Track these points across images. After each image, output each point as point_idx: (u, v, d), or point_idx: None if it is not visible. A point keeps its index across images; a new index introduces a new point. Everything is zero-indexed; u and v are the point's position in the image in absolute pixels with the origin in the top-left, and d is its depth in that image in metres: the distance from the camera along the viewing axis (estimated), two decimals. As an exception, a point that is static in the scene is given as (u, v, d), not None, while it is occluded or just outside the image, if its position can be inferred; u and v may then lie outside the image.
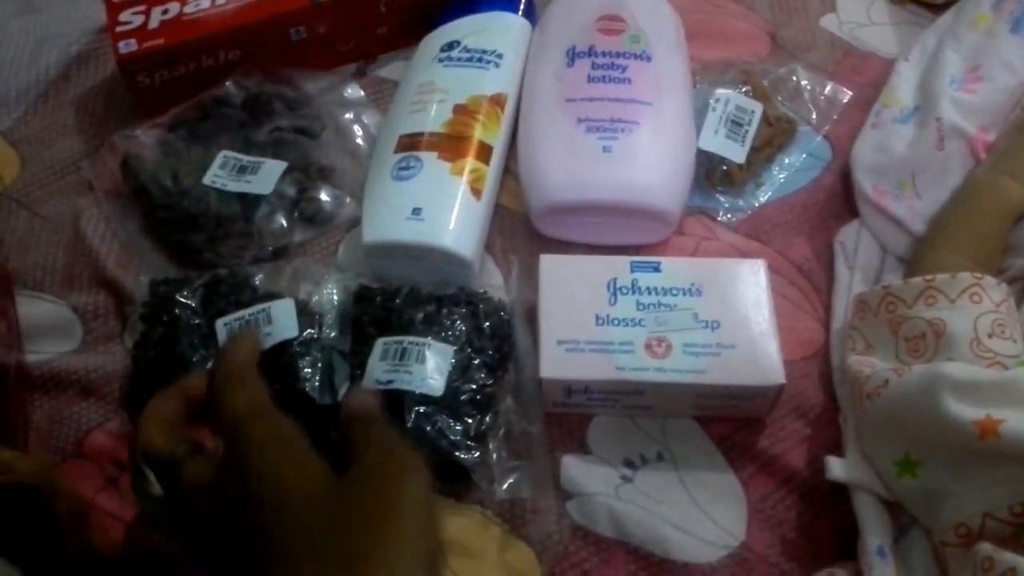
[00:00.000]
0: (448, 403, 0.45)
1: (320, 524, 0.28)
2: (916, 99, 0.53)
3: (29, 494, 0.38)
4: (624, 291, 0.48)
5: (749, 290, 0.48)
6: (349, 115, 0.60)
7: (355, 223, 0.55)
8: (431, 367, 0.46)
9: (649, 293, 0.48)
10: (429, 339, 0.47)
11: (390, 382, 0.46)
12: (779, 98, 0.60)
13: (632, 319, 0.47)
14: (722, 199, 0.56)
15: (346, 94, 0.61)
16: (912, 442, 0.41)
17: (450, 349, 0.47)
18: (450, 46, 0.59)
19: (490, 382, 0.47)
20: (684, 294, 0.48)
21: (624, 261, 0.49)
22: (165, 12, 0.60)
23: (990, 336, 0.42)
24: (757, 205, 0.56)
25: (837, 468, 0.43)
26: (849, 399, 0.46)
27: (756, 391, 0.45)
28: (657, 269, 0.49)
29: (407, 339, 0.47)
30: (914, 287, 0.44)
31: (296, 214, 0.55)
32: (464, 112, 0.55)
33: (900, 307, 0.45)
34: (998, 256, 0.46)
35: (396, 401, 0.46)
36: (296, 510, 0.28)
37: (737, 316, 0.47)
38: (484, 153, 0.54)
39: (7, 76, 0.66)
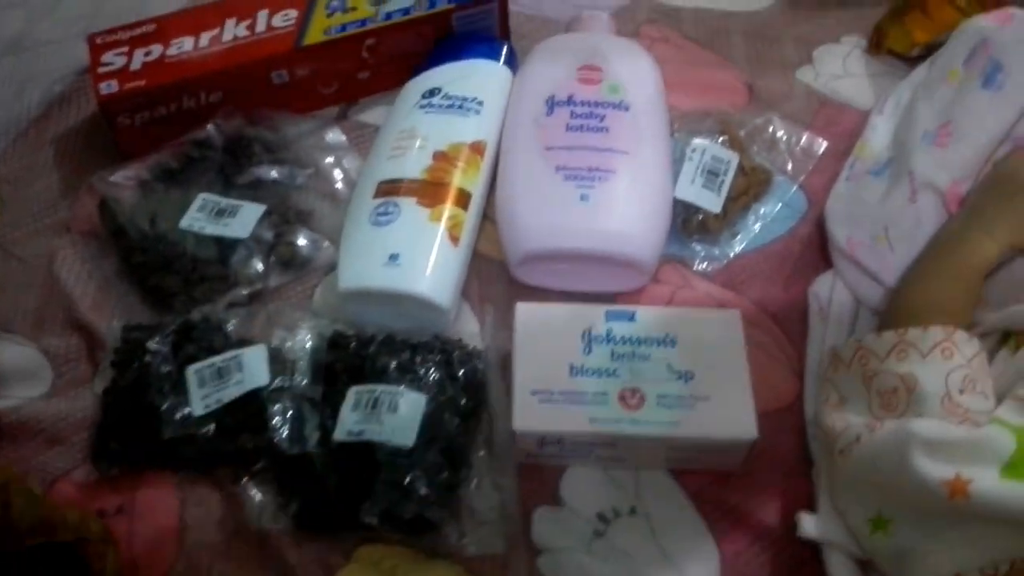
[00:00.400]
0: (419, 455, 0.45)
1: None
2: (890, 152, 0.54)
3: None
4: (599, 340, 0.48)
5: (724, 341, 0.48)
6: (330, 159, 0.61)
7: (332, 268, 0.55)
8: (403, 418, 0.46)
9: (624, 343, 0.48)
10: (402, 388, 0.47)
11: (361, 433, 0.46)
12: (755, 148, 0.61)
13: (606, 369, 0.47)
14: (698, 248, 0.57)
15: (327, 138, 0.62)
16: (884, 500, 0.41)
17: (423, 398, 0.47)
18: (431, 92, 0.59)
19: (462, 432, 0.47)
20: (658, 344, 0.48)
21: (599, 310, 0.49)
22: (147, 54, 0.60)
23: (961, 392, 0.42)
24: (733, 255, 0.57)
25: (809, 525, 0.42)
26: (822, 454, 0.46)
27: (730, 444, 0.45)
28: (632, 318, 0.49)
29: (379, 388, 0.47)
30: (886, 341, 0.44)
31: (273, 258, 0.55)
32: (444, 158, 0.55)
33: (872, 361, 0.45)
34: (970, 310, 0.46)
35: (367, 453, 0.45)
36: None
37: (712, 367, 0.47)
38: (463, 199, 0.54)
39: (-13, 114, 0.66)
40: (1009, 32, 0.53)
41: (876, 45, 0.69)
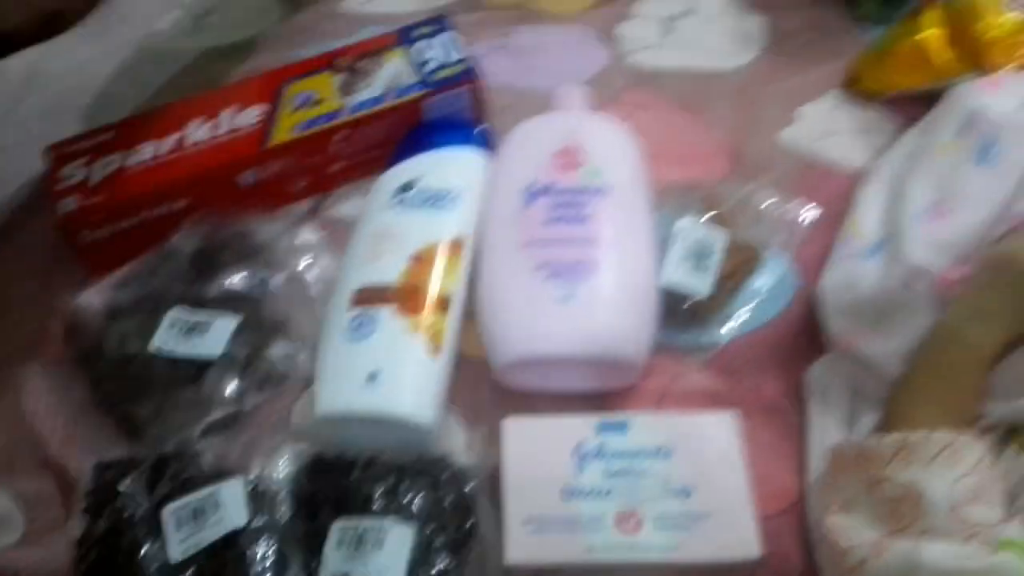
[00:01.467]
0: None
1: None
2: (882, 231, 0.52)
3: None
4: (591, 457, 0.46)
5: (720, 449, 0.46)
6: (303, 261, 0.58)
7: (310, 382, 0.53)
8: (389, 555, 0.44)
9: (617, 458, 0.46)
10: (386, 523, 0.45)
11: (346, 575, 0.43)
12: (742, 223, 0.59)
13: (600, 490, 0.45)
14: (688, 336, 0.55)
15: (299, 240, 0.59)
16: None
17: (410, 532, 0.45)
18: (405, 188, 0.57)
19: (454, 564, 0.45)
20: (653, 457, 0.46)
21: (590, 422, 0.47)
22: (107, 165, 0.58)
23: (969, 503, 0.40)
24: (725, 342, 0.55)
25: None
26: (828, 565, 0.44)
27: (732, 565, 0.43)
28: (624, 428, 0.47)
29: (363, 524, 0.45)
30: (888, 446, 0.42)
31: (248, 377, 0.53)
32: (421, 261, 0.53)
33: (875, 466, 0.43)
34: (974, 404, 0.44)
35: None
36: None
37: (710, 480, 0.45)
38: (443, 305, 0.52)
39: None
40: (1000, 102, 0.51)
41: (851, 83, 0.68)
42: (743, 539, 0.43)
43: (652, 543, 0.43)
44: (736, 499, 0.44)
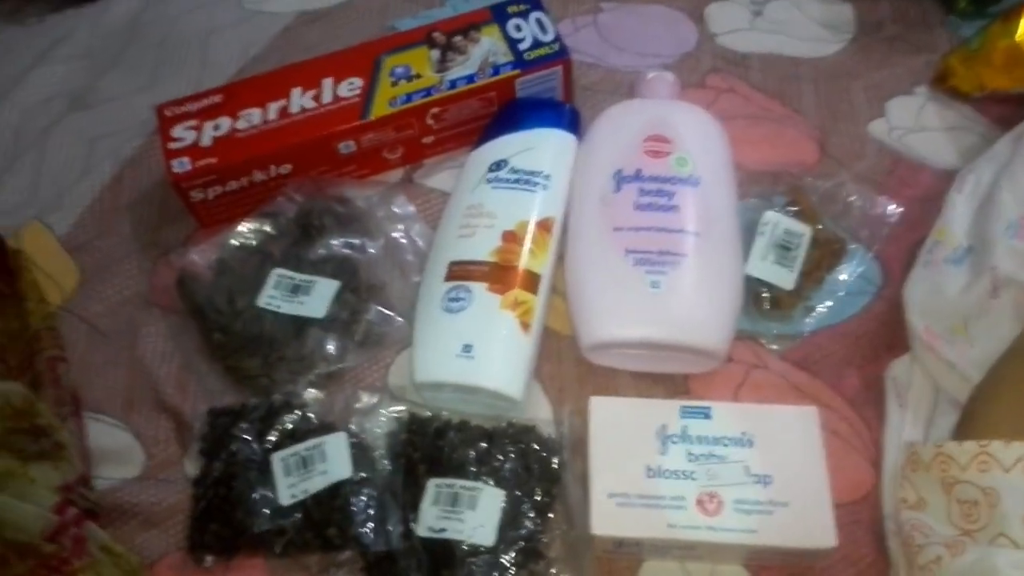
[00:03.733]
0: (498, 554, 0.46)
1: None
2: (969, 239, 0.53)
3: None
4: (674, 440, 0.48)
5: (801, 441, 0.48)
6: (399, 230, 0.61)
7: (405, 344, 0.56)
8: (482, 515, 0.47)
9: (699, 442, 0.48)
10: (480, 484, 0.48)
11: (443, 530, 0.47)
12: (828, 215, 0.60)
13: (683, 471, 0.47)
14: (771, 325, 0.56)
15: (395, 209, 0.62)
16: (966, 622, 0.41)
17: (501, 495, 0.48)
18: (498, 166, 0.59)
19: (540, 527, 0.48)
20: (735, 444, 0.48)
21: (674, 406, 0.49)
22: (217, 128, 0.61)
23: (1045, 513, 0.41)
24: (806, 333, 0.56)
25: (891, 641, 0.43)
26: (901, 558, 0.46)
27: (808, 553, 0.46)
28: (707, 415, 0.49)
29: (458, 483, 0.48)
30: (967, 451, 0.44)
31: (348, 337, 0.56)
32: (512, 239, 0.56)
33: (953, 468, 0.45)
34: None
35: (447, 550, 0.46)
36: None
37: (789, 470, 0.47)
38: (532, 283, 0.54)
39: (60, 178, 0.67)
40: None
41: (940, 80, 0.67)
42: (820, 529, 0.45)
43: (732, 525, 0.45)
44: (815, 490, 0.46)
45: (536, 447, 0.51)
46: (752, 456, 0.47)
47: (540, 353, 0.55)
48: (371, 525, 0.48)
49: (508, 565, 0.46)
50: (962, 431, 0.47)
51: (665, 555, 0.48)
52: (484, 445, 0.50)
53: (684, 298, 0.52)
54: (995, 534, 0.42)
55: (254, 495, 0.49)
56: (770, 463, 0.47)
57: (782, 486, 0.46)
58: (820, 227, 0.58)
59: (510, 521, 0.47)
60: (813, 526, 0.45)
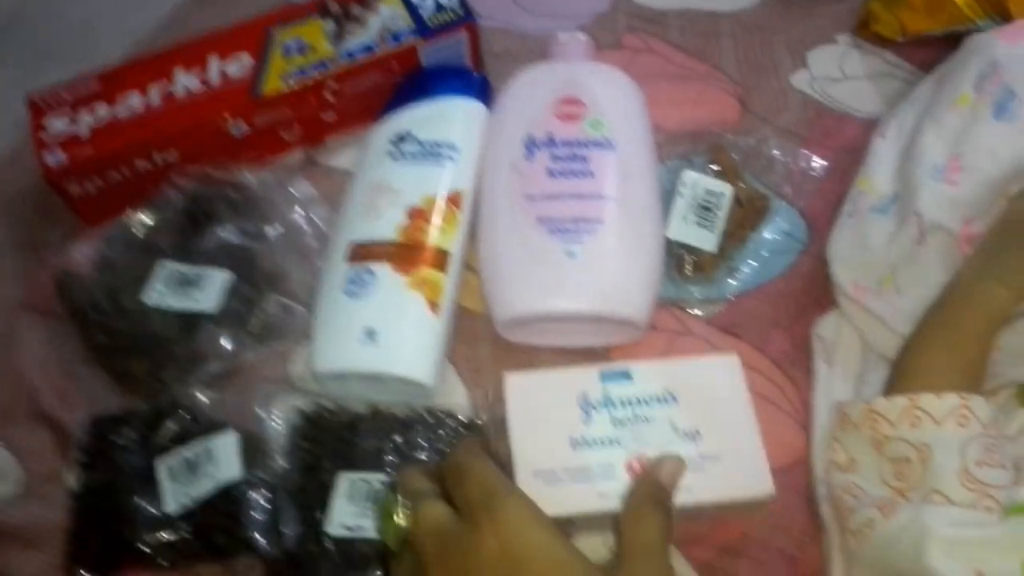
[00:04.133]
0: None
1: None
2: (894, 186, 0.50)
3: None
4: (597, 406, 0.45)
5: (726, 390, 0.45)
6: (298, 213, 0.57)
7: (307, 334, 0.52)
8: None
9: (623, 406, 0.45)
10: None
11: (360, 528, 0.43)
12: (750, 172, 0.57)
13: (609, 438, 0.44)
14: (694, 289, 0.54)
15: (294, 191, 0.58)
16: (902, 587, 0.38)
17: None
18: (401, 138, 0.55)
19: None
20: (659, 403, 0.45)
21: (593, 372, 0.46)
22: (94, 116, 0.56)
23: (979, 465, 0.39)
24: (731, 295, 0.54)
25: (826, 613, 0.40)
26: (833, 523, 0.44)
27: (745, 504, 0.43)
28: (628, 377, 0.46)
29: (374, 477, 0.45)
30: (897, 406, 0.42)
31: (244, 331, 0.52)
32: (419, 215, 0.52)
33: (883, 425, 0.42)
34: (985, 366, 0.43)
35: (361, 551, 0.43)
36: None
37: (717, 422, 0.44)
38: (441, 261, 0.51)
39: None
40: (1021, 53, 0.48)
41: (863, 26, 0.65)
42: (756, 478, 0.42)
43: None
44: (746, 439, 0.43)
45: (455, 433, 0.47)
46: (677, 413, 0.44)
47: (454, 335, 0.52)
48: (264, 528, 0.44)
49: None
50: (892, 386, 0.44)
51: (603, 528, 0.44)
52: (399, 437, 0.47)
53: (602, 266, 0.49)
54: (928, 491, 0.39)
55: (137, 505, 0.45)
56: (696, 417, 0.44)
57: (711, 440, 0.43)
58: (742, 185, 0.56)
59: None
60: (748, 476, 0.42)
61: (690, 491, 0.42)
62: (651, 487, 0.39)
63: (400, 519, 0.37)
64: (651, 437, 0.44)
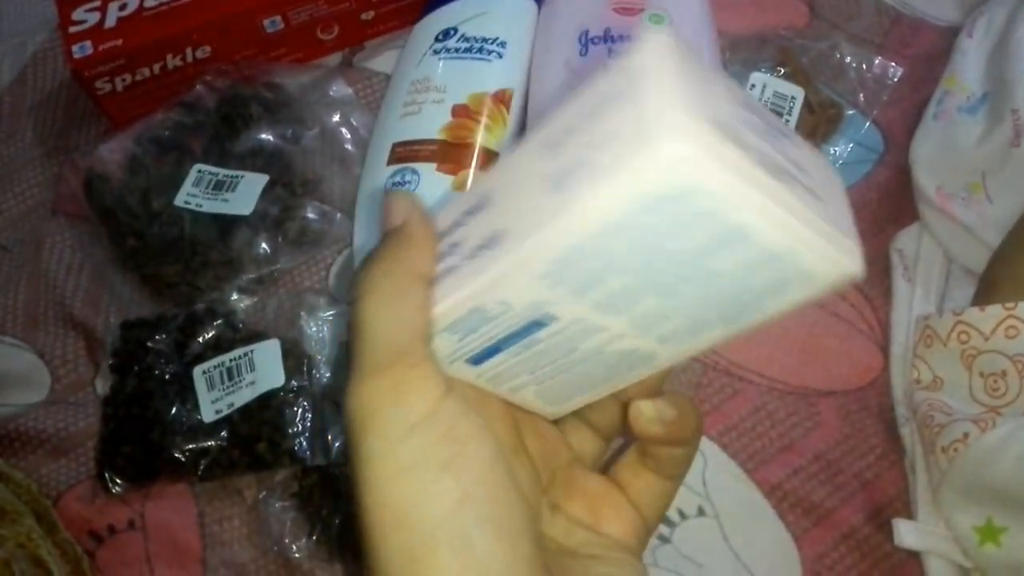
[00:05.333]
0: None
1: None
2: (985, 85, 0.46)
3: None
4: None
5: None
6: (336, 117, 0.54)
7: (346, 243, 0.50)
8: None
9: None
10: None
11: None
12: (821, 80, 0.53)
13: None
14: (760, 201, 0.50)
15: (331, 92, 0.54)
16: (996, 506, 0.35)
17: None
18: (445, 34, 0.52)
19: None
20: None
21: None
22: (123, 8, 0.53)
23: (1086, 376, 0.36)
24: (801, 208, 0.50)
25: (908, 534, 0.37)
26: (918, 444, 0.40)
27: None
28: None
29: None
30: (991, 316, 0.38)
31: (281, 236, 0.49)
32: (465, 113, 0.48)
33: (975, 338, 0.39)
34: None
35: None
36: None
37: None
38: (489, 161, 0.47)
39: (-45, 82, 0.59)
40: None
41: None
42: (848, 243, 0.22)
43: None
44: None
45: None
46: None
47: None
48: (307, 439, 0.42)
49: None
50: (983, 298, 0.41)
51: None
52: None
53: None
54: (1029, 406, 0.36)
55: (172, 412, 0.42)
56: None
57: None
58: (813, 91, 0.51)
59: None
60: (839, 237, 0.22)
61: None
62: None
63: None
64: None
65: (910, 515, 0.39)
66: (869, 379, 0.45)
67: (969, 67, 0.48)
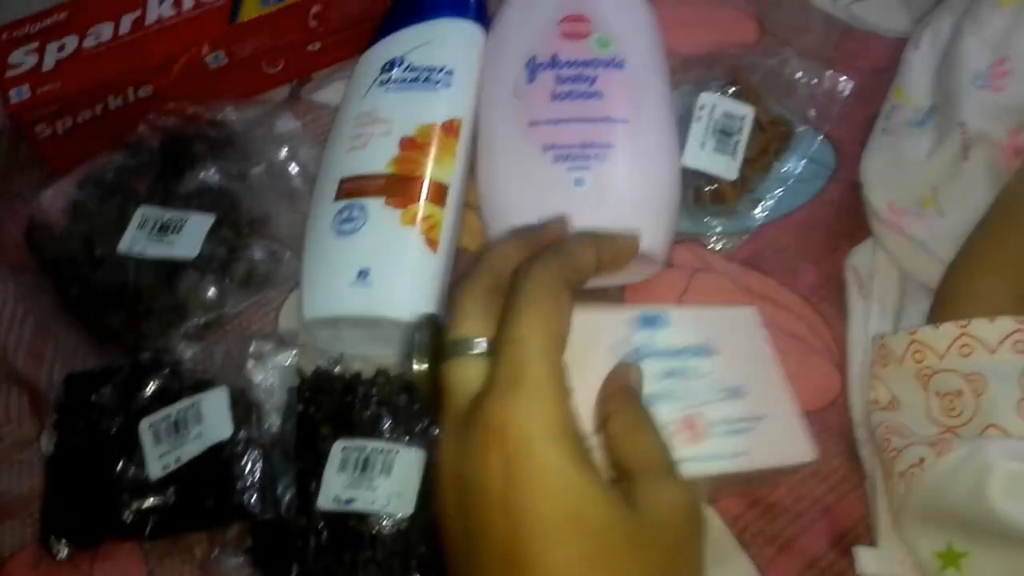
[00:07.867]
0: (420, 527, 0.39)
1: None
2: (932, 97, 0.46)
3: None
4: (638, 357, 0.37)
5: (752, 342, 0.41)
6: (283, 152, 0.53)
7: (296, 282, 0.48)
8: (399, 481, 0.40)
9: (664, 357, 0.38)
10: (396, 446, 0.41)
11: (351, 501, 0.40)
12: (772, 96, 0.52)
13: (657, 393, 0.36)
14: (714, 222, 0.49)
15: (278, 127, 0.54)
16: (956, 530, 0.35)
17: (422, 455, 0.41)
18: (391, 65, 0.51)
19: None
20: (698, 356, 0.38)
21: (624, 316, 0.38)
22: (61, 49, 0.52)
23: (1040, 394, 0.35)
24: (754, 227, 0.49)
25: (870, 562, 0.37)
26: (877, 467, 0.40)
27: (790, 469, 0.39)
28: (664, 324, 0.40)
29: (369, 445, 0.41)
30: (945, 335, 0.38)
31: (228, 278, 0.48)
32: (412, 146, 0.48)
33: (929, 357, 0.38)
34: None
35: (357, 524, 0.39)
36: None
37: (753, 379, 0.39)
38: (438, 194, 0.47)
39: None
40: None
41: None
42: (798, 441, 0.38)
43: (719, 451, 0.36)
44: (781, 398, 0.39)
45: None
46: (717, 368, 0.38)
47: (454, 278, 0.48)
48: (256, 493, 0.40)
49: (430, 540, 0.39)
50: (938, 314, 0.40)
51: None
52: (402, 398, 0.43)
53: (614, 195, 0.45)
54: (983, 426, 0.35)
55: (118, 469, 0.41)
56: (735, 374, 0.38)
57: (753, 398, 0.38)
58: (763, 109, 0.51)
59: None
60: (790, 439, 0.38)
61: (743, 455, 0.36)
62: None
63: (418, 364, 0.31)
64: (698, 395, 0.37)
65: (872, 540, 0.39)
66: (829, 400, 0.44)
67: (916, 79, 0.47)
